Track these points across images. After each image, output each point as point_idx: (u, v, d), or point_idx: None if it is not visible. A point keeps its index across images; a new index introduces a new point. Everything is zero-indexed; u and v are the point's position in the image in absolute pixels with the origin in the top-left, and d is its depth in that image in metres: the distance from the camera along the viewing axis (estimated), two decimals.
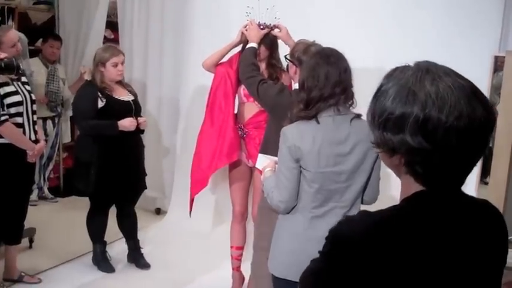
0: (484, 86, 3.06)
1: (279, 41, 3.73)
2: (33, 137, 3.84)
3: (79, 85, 4.71)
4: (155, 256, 4.53)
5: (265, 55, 3.73)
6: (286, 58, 3.25)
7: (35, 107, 3.90)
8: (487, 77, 3.67)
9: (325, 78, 2.41)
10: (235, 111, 3.93)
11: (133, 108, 4.19)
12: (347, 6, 4.30)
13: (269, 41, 3.70)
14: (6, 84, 3.67)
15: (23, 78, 3.86)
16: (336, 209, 2.45)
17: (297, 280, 1.31)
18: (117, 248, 4.62)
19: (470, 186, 3.32)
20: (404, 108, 1.11)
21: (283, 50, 3.58)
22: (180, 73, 5.30)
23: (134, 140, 4.22)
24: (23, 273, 4.05)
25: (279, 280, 2.50)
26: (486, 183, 3.67)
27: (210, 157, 3.86)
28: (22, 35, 4.22)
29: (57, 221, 5.32)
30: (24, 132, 3.77)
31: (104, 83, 4.08)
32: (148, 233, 5.07)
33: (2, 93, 3.61)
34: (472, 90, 1.12)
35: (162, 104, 5.64)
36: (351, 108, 2.51)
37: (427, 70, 1.14)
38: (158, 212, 5.75)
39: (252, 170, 3.87)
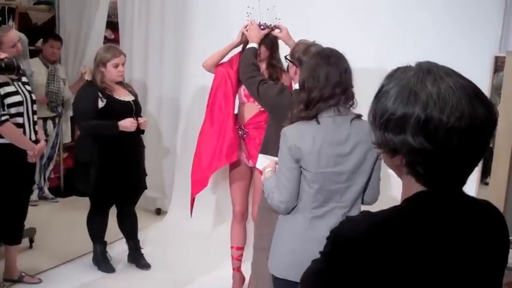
0: (484, 86, 3.06)
1: (280, 42, 3.73)
2: (33, 137, 3.85)
3: (79, 85, 4.71)
4: (155, 256, 4.53)
5: (265, 55, 3.73)
6: (286, 58, 3.25)
7: (35, 107, 3.90)
8: (488, 77, 3.67)
9: (325, 78, 2.41)
10: (236, 112, 3.93)
11: (133, 109, 4.19)
12: (347, 7, 4.30)
13: (269, 41, 3.70)
14: (6, 84, 3.67)
15: (24, 79, 3.86)
16: (336, 210, 2.45)
17: (297, 280, 1.31)
18: (118, 248, 4.62)
19: (471, 186, 3.32)
20: (406, 109, 1.11)
21: (284, 50, 3.58)
22: (181, 73, 5.30)
23: (134, 140, 4.22)
24: (23, 273, 4.05)
25: (279, 280, 2.50)
26: (486, 184, 3.67)
27: (210, 157, 3.86)
28: (22, 35, 4.22)
29: (58, 221, 5.32)
30: (24, 133, 3.77)
31: (105, 83, 4.08)
32: (149, 233, 5.07)
33: (2, 93, 3.61)
34: (473, 91, 1.12)
35: (162, 104, 5.63)
36: (351, 108, 2.51)
37: (428, 71, 1.14)
38: (158, 212, 5.75)
39: (252, 170, 3.87)
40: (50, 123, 5.73)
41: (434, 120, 1.09)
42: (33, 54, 5.52)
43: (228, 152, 3.80)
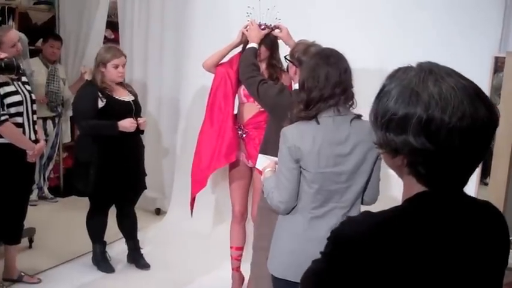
0: (484, 86, 3.06)
1: (280, 42, 3.73)
2: (33, 137, 3.85)
3: (79, 85, 4.70)
4: (155, 256, 4.53)
5: (265, 55, 3.72)
6: (286, 59, 3.25)
7: (35, 106, 3.90)
8: (487, 77, 3.67)
9: (325, 78, 2.41)
10: (235, 112, 3.93)
11: (133, 109, 4.19)
12: (347, 7, 4.30)
13: (270, 41, 3.70)
14: (6, 84, 3.67)
15: (23, 78, 3.86)
16: (336, 210, 2.45)
17: (297, 280, 1.31)
18: (117, 248, 4.62)
19: (470, 186, 3.32)
20: (407, 109, 1.11)
21: (284, 50, 3.58)
22: (180, 73, 5.29)
23: (134, 140, 4.22)
24: (22, 273, 4.05)
25: (279, 280, 2.50)
26: (486, 184, 3.67)
27: (209, 157, 3.87)
28: (22, 35, 4.22)
29: (57, 221, 5.32)
30: (24, 132, 3.77)
31: (105, 83, 4.08)
32: (148, 233, 5.07)
33: (2, 93, 3.61)
34: (474, 91, 1.13)
35: (162, 104, 5.63)
36: (351, 108, 2.51)
37: (429, 71, 1.14)
38: (158, 212, 5.75)
39: (252, 170, 3.87)
40: (49, 123, 5.73)
41: (436, 120, 1.09)
42: (33, 54, 5.52)
43: (227, 152, 3.81)
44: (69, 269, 4.35)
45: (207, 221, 5.02)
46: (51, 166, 5.96)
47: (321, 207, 2.44)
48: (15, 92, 3.71)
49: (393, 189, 3.31)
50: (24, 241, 4.42)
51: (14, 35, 3.86)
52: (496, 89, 3.65)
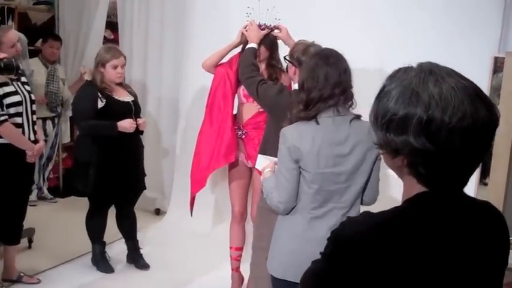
0: (483, 87, 3.05)
1: (279, 42, 3.73)
2: (32, 137, 3.84)
3: (79, 85, 4.71)
4: (154, 256, 4.53)
5: (265, 56, 3.72)
6: (285, 59, 3.25)
7: (34, 107, 3.90)
8: (487, 78, 3.67)
9: (324, 79, 2.41)
10: (235, 112, 3.93)
11: (133, 109, 4.19)
12: (347, 7, 4.30)
13: (269, 41, 3.70)
14: (5, 84, 3.66)
15: (23, 79, 3.86)
16: (335, 210, 2.45)
17: (296, 281, 1.31)
18: (117, 249, 4.62)
19: (470, 187, 3.31)
20: (408, 109, 1.11)
21: (283, 50, 3.58)
22: (180, 74, 5.29)
23: (133, 141, 4.21)
24: (22, 274, 4.04)
25: (278, 281, 2.50)
26: (485, 184, 3.67)
27: (208, 158, 3.87)
28: (22, 35, 4.22)
29: (57, 221, 5.32)
30: (23, 133, 3.77)
31: (104, 84, 4.08)
32: (148, 234, 5.07)
33: (1, 93, 3.61)
34: (474, 91, 1.13)
35: (161, 104, 5.63)
36: (350, 109, 2.51)
37: (430, 71, 1.14)
38: (157, 212, 5.75)
39: (251, 170, 3.87)
40: (49, 123, 5.73)
41: (436, 120, 1.09)
42: (33, 54, 5.53)
43: (226, 153, 3.81)
44: (68, 269, 4.35)
45: (207, 221, 5.02)
46: (50, 166, 5.96)
47: (321, 207, 2.44)
48: (15, 92, 3.71)
49: (392, 189, 3.31)
50: (24, 241, 4.42)
51: (13, 35, 3.86)
52: (496, 89, 3.65)
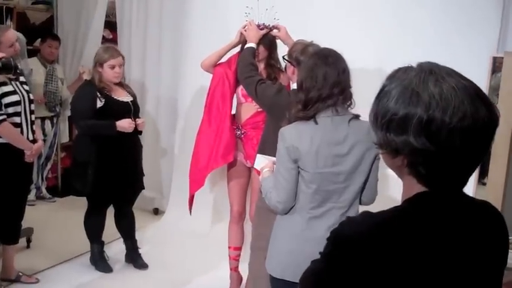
0: (482, 86, 3.06)
1: (278, 42, 3.73)
2: (30, 137, 3.84)
3: (77, 85, 4.71)
4: (153, 256, 4.53)
5: (264, 55, 3.72)
6: (284, 58, 3.25)
7: (33, 106, 3.90)
8: (486, 78, 3.67)
9: (323, 78, 2.41)
10: (233, 112, 3.93)
11: (131, 109, 4.19)
12: (346, 6, 4.29)
13: (268, 41, 3.70)
14: (4, 84, 3.66)
15: (21, 78, 3.86)
16: (334, 210, 2.45)
17: (295, 280, 1.32)
18: (115, 248, 4.62)
19: (468, 186, 3.31)
20: (408, 109, 1.11)
21: (282, 50, 3.58)
22: (179, 73, 5.29)
23: (132, 141, 4.21)
24: (20, 273, 4.04)
25: (277, 280, 2.50)
26: (484, 184, 3.67)
27: (207, 157, 3.87)
28: (20, 35, 4.22)
29: (55, 221, 5.32)
30: (22, 132, 3.77)
31: (103, 83, 4.07)
32: (146, 233, 5.06)
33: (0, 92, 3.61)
34: (474, 91, 1.13)
35: (160, 104, 5.63)
36: (349, 108, 2.52)
37: (430, 71, 1.14)
38: (156, 212, 5.75)
39: (250, 169, 3.87)
40: (48, 123, 5.73)
41: (436, 120, 1.09)
42: (31, 54, 5.53)
43: (224, 153, 3.81)
44: (67, 268, 4.35)
45: (205, 221, 5.02)
46: (49, 166, 5.96)
47: (319, 207, 2.44)
48: (13, 92, 3.71)
49: (391, 189, 3.31)
50: (22, 241, 4.42)
51: (11, 34, 3.86)
52: (494, 89, 3.65)
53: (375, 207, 1.35)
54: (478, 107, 1.10)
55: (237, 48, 3.82)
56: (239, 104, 3.91)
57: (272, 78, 3.68)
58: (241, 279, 4.06)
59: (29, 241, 4.62)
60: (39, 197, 5.88)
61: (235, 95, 3.88)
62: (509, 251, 1.30)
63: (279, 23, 3.66)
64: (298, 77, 2.58)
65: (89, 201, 4.27)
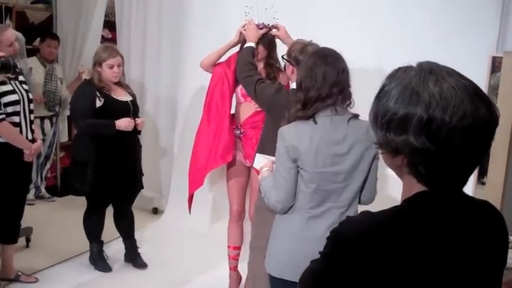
0: (481, 86, 3.06)
1: (278, 41, 3.73)
2: (30, 136, 3.84)
3: (77, 84, 4.71)
4: (152, 256, 4.52)
5: (263, 55, 3.72)
6: (283, 58, 3.25)
7: (32, 106, 3.90)
8: (485, 77, 3.67)
9: (322, 78, 2.41)
10: (233, 111, 3.93)
11: (131, 109, 4.19)
12: (346, 6, 4.29)
13: (267, 40, 3.70)
14: (3, 83, 3.66)
15: (21, 78, 3.86)
16: (333, 209, 2.45)
17: (294, 280, 1.32)
18: (114, 248, 4.61)
19: (468, 186, 3.32)
20: (408, 109, 1.11)
21: (282, 49, 3.58)
22: (178, 73, 5.28)
23: (131, 140, 4.21)
24: (19, 273, 4.04)
25: (276, 280, 2.50)
26: (483, 183, 3.67)
27: (206, 157, 3.87)
28: (20, 34, 4.22)
29: (54, 220, 5.31)
30: (21, 132, 3.77)
31: (102, 83, 4.07)
32: (146, 233, 5.06)
33: None
34: (474, 90, 1.13)
35: (159, 103, 5.63)
36: (348, 108, 2.52)
37: (430, 71, 1.14)
38: (155, 211, 5.75)
39: (249, 169, 3.87)
40: (47, 122, 5.73)
41: (436, 120, 1.09)
42: (31, 53, 5.54)
43: (223, 153, 3.81)
44: (66, 268, 4.35)
45: (205, 220, 5.01)
46: (48, 165, 5.96)
47: (318, 206, 2.44)
48: (12, 91, 3.71)
49: (391, 189, 3.31)
50: (21, 240, 4.42)
51: (11, 34, 3.85)
52: (493, 88, 3.66)
53: (374, 207, 1.35)
54: (478, 106, 1.10)
55: (237, 48, 3.82)
56: (238, 103, 3.91)
57: (271, 77, 3.68)
58: (240, 278, 4.06)
59: (28, 240, 4.61)
60: (39, 197, 5.88)
61: (234, 95, 3.88)
62: (509, 250, 1.30)
63: (278, 23, 3.66)
64: (298, 77, 2.58)
65: (88, 200, 4.27)
